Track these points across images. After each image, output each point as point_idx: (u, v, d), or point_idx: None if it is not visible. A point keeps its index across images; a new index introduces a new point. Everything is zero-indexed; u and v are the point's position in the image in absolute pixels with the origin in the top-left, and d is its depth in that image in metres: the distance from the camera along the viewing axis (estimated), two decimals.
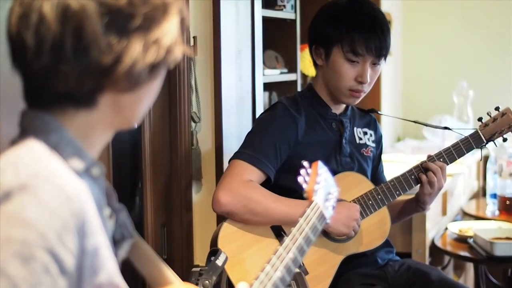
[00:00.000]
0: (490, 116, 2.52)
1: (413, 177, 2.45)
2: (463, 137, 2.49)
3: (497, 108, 2.53)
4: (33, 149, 1.08)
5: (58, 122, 1.11)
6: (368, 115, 2.64)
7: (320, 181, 1.46)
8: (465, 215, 4.02)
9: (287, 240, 1.39)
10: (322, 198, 1.46)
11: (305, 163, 1.48)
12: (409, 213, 2.62)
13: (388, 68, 4.64)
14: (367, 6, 2.44)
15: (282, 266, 1.36)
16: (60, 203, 1.02)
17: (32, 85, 1.11)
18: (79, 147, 1.12)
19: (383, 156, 2.73)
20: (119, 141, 2.39)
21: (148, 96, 1.17)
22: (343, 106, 2.53)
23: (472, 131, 2.51)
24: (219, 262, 1.94)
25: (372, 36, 2.36)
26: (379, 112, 2.68)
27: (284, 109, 2.41)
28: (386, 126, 4.76)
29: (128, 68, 1.08)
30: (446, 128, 2.67)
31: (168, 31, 1.12)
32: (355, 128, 2.56)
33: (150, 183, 2.55)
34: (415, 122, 2.70)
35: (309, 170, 1.47)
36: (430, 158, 2.45)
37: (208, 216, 2.63)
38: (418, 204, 2.51)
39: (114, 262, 1.14)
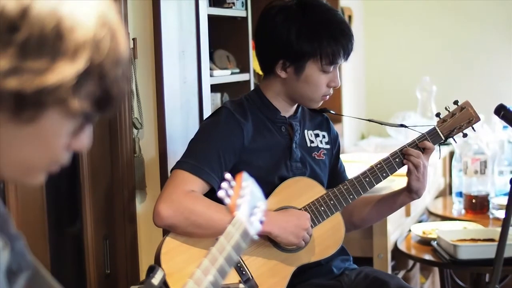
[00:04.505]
0: (449, 111, 2.40)
1: (367, 179, 2.32)
2: (420, 134, 2.37)
3: (455, 102, 2.40)
4: None
5: None
6: (320, 115, 2.50)
7: (244, 195, 1.31)
8: (431, 214, 3.89)
9: (205, 261, 1.24)
10: (246, 212, 1.31)
11: (228, 176, 1.34)
12: (402, 204, 2.46)
13: (349, 65, 4.50)
14: (328, 10, 2.31)
15: None
16: None
17: None
18: None
19: (344, 156, 2.60)
20: None
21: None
22: (293, 108, 2.40)
23: (430, 127, 2.38)
24: (155, 280, 1.81)
25: (348, 43, 2.28)
26: (331, 111, 2.53)
27: (228, 114, 2.27)
28: (349, 124, 4.65)
29: None
30: (402, 125, 2.53)
31: None
32: (305, 131, 2.42)
33: (89, 193, 2.40)
34: (369, 120, 2.59)
35: (232, 183, 1.32)
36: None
37: (154, 228, 2.48)
38: (412, 193, 2.36)
39: None
